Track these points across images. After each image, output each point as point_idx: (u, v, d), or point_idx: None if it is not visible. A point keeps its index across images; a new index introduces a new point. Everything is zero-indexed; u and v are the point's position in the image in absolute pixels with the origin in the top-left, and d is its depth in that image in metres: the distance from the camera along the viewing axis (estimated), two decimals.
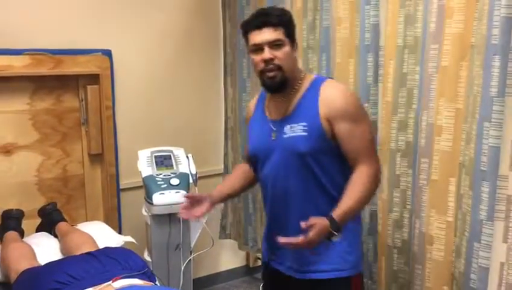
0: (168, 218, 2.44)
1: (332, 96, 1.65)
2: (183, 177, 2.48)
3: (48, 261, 1.99)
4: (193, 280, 2.59)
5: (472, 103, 1.68)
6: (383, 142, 2.10)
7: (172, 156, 2.58)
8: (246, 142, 1.95)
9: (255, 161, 1.82)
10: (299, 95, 1.70)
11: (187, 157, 2.59)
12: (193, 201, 1.78)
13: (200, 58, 3.10)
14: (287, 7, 2.58)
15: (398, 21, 1.98)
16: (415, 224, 1.85)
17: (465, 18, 1.71)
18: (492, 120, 1.56)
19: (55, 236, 2.42)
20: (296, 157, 1.66)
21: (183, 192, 2.37)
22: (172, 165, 2.54)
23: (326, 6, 2.38)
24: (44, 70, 2.53)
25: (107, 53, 2.71)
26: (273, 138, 1.71)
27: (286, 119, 1.69)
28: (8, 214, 2.48)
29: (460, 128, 1.76)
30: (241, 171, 1.95)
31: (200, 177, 2.58)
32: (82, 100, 2.71)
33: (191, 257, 2.52)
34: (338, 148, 1.67)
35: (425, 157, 1.84)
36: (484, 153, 1.59)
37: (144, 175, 2.51)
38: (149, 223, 2.48)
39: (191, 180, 2.51)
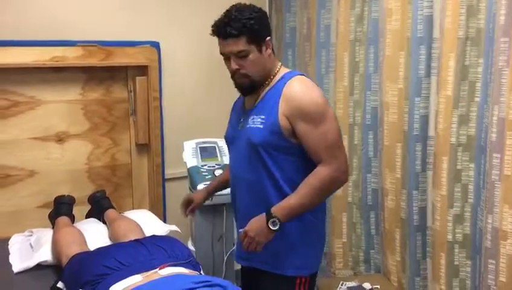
0: (212, 209, 2.46)
1: (293, 94, 1.65)
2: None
3: (97, 247, 2.05)
4: (235, 270, 2.62)
5: None
6: (441, 136, 2.05)
7: (217, 147, 2.61)
8: None
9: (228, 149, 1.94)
10: (267, 89, 1.74)
11: None
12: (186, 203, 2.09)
13: None
14: None
15: (460, 12, 1.93)
16: (487, 219, 1.81)
17: None
18: None
19: (104, 223, 2.50)
20: (250, 147, 1.72)
21: None
22: (216, 156, 2.57)
23: None
24: (95, 61, 2.60)
25: (156, 45, 2.76)
26: (239, 128, 1.80)
27: (252, 110, 1.75)
28: (60, 200, 2.57)
29: None
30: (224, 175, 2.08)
31: None
32: (130, 91, 2.77)
33: (234, 248, 2.54)
34: (300, 147, 1.68)
35: (497, 152, 1.78)
36: None
37: (188, 166, 2.54)
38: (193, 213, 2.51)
39: None
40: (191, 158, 2.56)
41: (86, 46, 2.57)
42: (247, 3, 1.76)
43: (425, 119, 2.16)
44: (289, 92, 1.66)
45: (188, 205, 2.09)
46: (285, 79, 1.71)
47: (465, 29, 1.94)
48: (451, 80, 1.99)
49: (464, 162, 2.02)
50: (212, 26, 1.71)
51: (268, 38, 1.71)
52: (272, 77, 1.74)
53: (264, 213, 1.66)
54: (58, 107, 2.62)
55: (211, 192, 2.12)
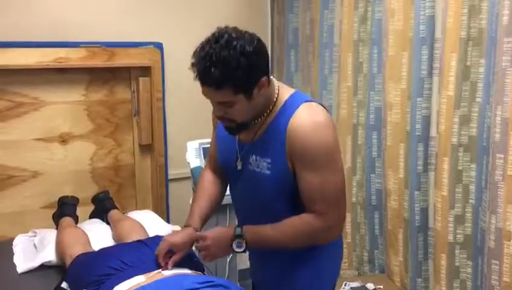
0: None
1: (297, 132, 1.37)
2: None
3: (101, 247, 2.06)
4: (238, 270, 2.62)
5: None
6: (443, 137, 2.05)
7: None
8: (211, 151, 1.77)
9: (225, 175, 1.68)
10: (270, 119, 1.44)
11: None
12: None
13: None
14: (337, 0, 2.55)
15: (461, 13, 1.93)
16: (491, 219, 1.80)
17: None
18: None
19: (108, 223, 2.50)
20: (260, 197, 1.49)
21: None
22: None
23: None
24: (98, 62, 2.61)
25: (159, 46, 2.76)
26: (238, 167, 1.52)
27: (251, 146, 1.48)
28: (64, 200, 2.57)
29: None
30: (208, 198, 1.69)
31: None
32: (134, 92, 2.78)
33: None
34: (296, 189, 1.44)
35: (500, 152, 1.78)
36: None
37: (192, 166, 2.54)
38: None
39: None
40: (194, 159, 2.56)
41: (90, 47, 2.58)
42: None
43: (427, 119, 2.16)
44: (295, 128, 1.38)
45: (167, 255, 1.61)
46: (288, 111, 1.41)
47: (467, 30, 1.93)
48: (453, 80, 1.99)
49: (465, 163, 2.02)
50: (192, 60, 1.40)
51: (263, 78, 1.36)
52: (271, 108, 1.44)
53: (233, 228, 1.47)
54: (61, 108, 2.63)
55: (199, 230, 1.62)
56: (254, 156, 1.47)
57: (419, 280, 2.26)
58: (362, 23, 2.49)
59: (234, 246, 1.46)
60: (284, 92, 1.47)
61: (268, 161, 1.43)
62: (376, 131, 2.50)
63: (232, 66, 1.30)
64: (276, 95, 1.45)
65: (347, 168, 2.65)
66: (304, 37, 2.79)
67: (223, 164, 1.64)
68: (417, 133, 2.20)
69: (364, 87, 2.55)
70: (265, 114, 1.45)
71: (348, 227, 2.67)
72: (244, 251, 1.48)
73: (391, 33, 2.25)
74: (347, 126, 2.62)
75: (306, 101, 1.43)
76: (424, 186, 2.21)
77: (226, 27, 1.37)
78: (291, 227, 1.44)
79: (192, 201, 1.73)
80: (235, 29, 1.36)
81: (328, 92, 2.67)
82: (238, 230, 1.46)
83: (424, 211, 2.21)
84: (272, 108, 1.44)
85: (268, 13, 3.12)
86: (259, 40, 1.37)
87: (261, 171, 1.45)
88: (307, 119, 1.39)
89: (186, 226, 1.64)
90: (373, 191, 2.56)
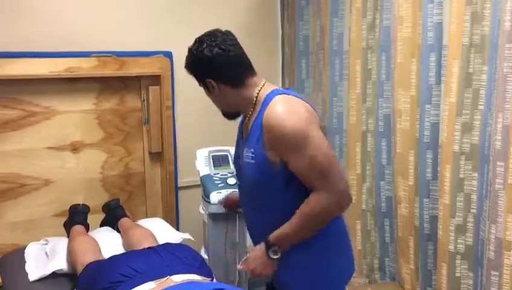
0: (225, 217, 2.47)
1: (271, 124, 1.53)
2: None
3: (111, 255, 2.07)
4: (248, 278, 2.61)
5: None
6: (445, 144, 2.04)
7: (229, 155, 2.61)
8: None
9: None
10: (253, 118, 1.63)
11: None
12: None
13: (259, 59, 3.05)
14: (346, 7, 2.56)
15: (464, 19, 1.92)
16: (490, 229, 1.78)
17: None
18: None
19: (118, 231, 2.52)
20: (247, 184, 1.69)
21: None
22: (229, 165, 2.57)
23: (386, 5, 2.34)
24: (109, 71, 2.64)
25: (168, 54, 2.79)
26: (239, 159, 1.72)
27: (245, 140, 1.67)
28: (75, 208, 2.60)
29: None
30: None
31: None
32: (144, 100, 2.81)
33: (247, 256, 2.54)
34: (291, 175, 1.56)
35: (501, 160, 1.76)
36: None
37: (201, 174, 2.55)
38: (206, 221, 2.52)
39: None
40: (203, 166, 2.57)
41: (101, 57, 2.62)
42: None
43: (435, 126, 2.15)
44: (267, 122, 1.53)
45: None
46: (266, 103, 1.58)
47: (470, 36, 1.92)
48: (455, 87, 1.97)
49: (467, 171, 1.99)
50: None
51: (207, 80, 1.64)
52: (254, 103, 1.63)
53: (264, 243, 1.62)
54: (73, 117, 2.66)
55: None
56: (245, 149, 1.64)
57: (430, 289, 2.24)
58: (371, 30, 2.49)
59: (271, 255, 1.60)
60: (266, 90, 1.63)
61: (252, 151, 1.60)
62: (385, 138, 2.49)
63: (188, 62, 1.67)
64: (256, 93, 1.63)
65: (356, 175, 2.65)
66: (314, 44, 2.80)
67: (234, 159, 1.83)
68: (426, 140, 2.19)
69: (373, 94, 2.55)
70: (250, 111, 1.64)
71: (358, 234, 2.66)
72: (281, 256, 1.60)
73: (399, 40, 2.25)
74: (356, 133, 2.62)
75: (280, 94, 1.58)
76: (433, 194, 2.20)
77: (222, 32, 1.66)
78: (300, 214, 1.56)
79: None
80: (222, 35, 1.64)
81: (338, 99, 2.68)
82: (267, 240, 1.61)
83: (434, 219, 2.19)
84: (255, 106, 1.62)
85: (279, 21, 3.13)
86: (220, 50, 1.60)
87: (248, 161, 1.62)
88: (277, 109, 1.53)
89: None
90: (383, 199, 2.55)
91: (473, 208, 1.99)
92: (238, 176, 1.80)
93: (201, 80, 1.68)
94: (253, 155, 1.60)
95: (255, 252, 1.65)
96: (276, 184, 1.60)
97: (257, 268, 1.64)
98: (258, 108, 1.61)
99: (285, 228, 1.59)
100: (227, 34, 1.65)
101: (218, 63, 1.60)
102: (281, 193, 1.61)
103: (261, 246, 1.62)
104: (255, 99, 1.62)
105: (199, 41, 1.64)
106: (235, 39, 1.66)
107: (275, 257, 1.60)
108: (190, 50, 1.66)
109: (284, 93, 1.59)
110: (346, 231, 1.76)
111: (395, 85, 2.33)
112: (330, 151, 1.56)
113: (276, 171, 1.57)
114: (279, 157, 1.55)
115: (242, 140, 1.72)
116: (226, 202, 2.23)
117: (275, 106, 1.54)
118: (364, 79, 2.56)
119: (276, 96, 1.57)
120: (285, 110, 1.53)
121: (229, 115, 1.74)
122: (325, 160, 1.51)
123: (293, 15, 2.94)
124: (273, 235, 1.60)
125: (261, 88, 1.64)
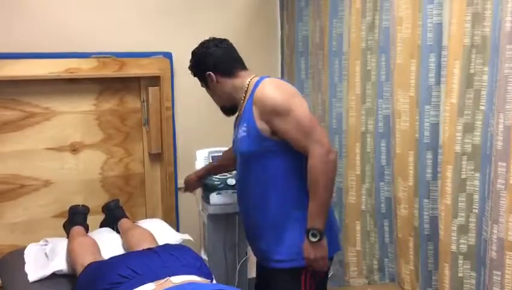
0: (225, 218, 2.47)
1: (259, 96, 1.80)
2: None
3: (111, 256, 2.07)
4: (248, 279, 2.62)
5: None
6: (446, 145, 2.04)
7: None
8: None
9: None
10: (246, 100, 1.90)
11: None
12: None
13: (258, 59, 3.10)
14: (346, 8, 2.57)
15: (465, 20, 1.92)
16: (492, 229, 1.78)
17: None
18: None
19: (118, 232, 2.52)
20: (241, 157, 1.92)
21: None
22: None
23: (386, 6, 2.35)
24: (109, 72, 2.64)
25: (168, 55, 2.79)
26: (234, 139, 1.99)
27: (239, 122, 1.93)
28: (74, 209, 2.59)
29: None
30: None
31: None
32: (143, 101, 2.81)
33: (246, 257, 2.55)
34: (284, 144, 1.79)
35: (503, 161, 1.76)
36: None
37: None
38: (206, 222, 2.52)
39: None
40: None
41: (100, 58, 2.62)
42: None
43: (435, 127, 2.15)
44: (257, 96, 1.81)
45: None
46: (255, 87, 1.85)
47: (471, 37, 1.92)
48: (456, 87, 1.98)
49: (468, 171, 2.00)
50: None
51: (207, 72, 1.93)
52: (245, 92, 1.90)
53: (306, 236, 1.78)
54: (72, 117, 2.66)
55: (203, 176, 2.43)
56: (239, 128, 1.90)
57: (430, 289, 2.24)
58: (370, 31, 2.50)
59: (311, 238, 1.75)
60: (255, 79, 1.91)
61: (245, 125, 1.85)
62: (385, 139, 2.50)
63: (190, 62, 2.02)
64: (247, 83, 1.91)
65: (356, 176, 2.65)
66: (314, 45, 2.80)
67: (234, 150, 2.06)
68: (426, 141, 2.19)
69: (372, 95, 2.55)
70: (242, 101, 1.91)
71: (357, 235, 2.66)
72: (321, 236, 1.75)
73: (399, 41, 2.25)
74: (356, 134, 2.62)
75: (267, 77, 1.88)
76: (433, 194, 2.20)
77: (220, 39, 2.01)
78: (312, 183, 1.75)
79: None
80: (219, 39, 2.00)
81: (337, 100, 2.68)
82: (307, 231, 1.77)
83: (434, 220, 2.19)
84: (246, 93, 1.90)
85: (278, 22, 3.14)
86: (215, 46, 1.95)
87: (243, 135, 1.86)
88: (266, 86, 1.82)
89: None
90: (382, 199, 2.55)
91: (475, 208, 2.00)
92: (235, 151, 2.02)
93: (202, 76, 1.96)
94: (245, 129, 1.84)
95: (303, 246, 1.78)
96: (267, 154, 1.82)
97: (308, 255, 1.76)
98: (249, 93, 1.88)
99: (309, 209, 1.75)
100: (223, 40, 1.99)
101: (214, 54, 1.93)
102: (273, 162, 1.82)
103: (304, 237, 1.77)
104: (246, 86, 1.90)
105: (200, 44, 2.01)
106: (230, 43, 1.99)
107: (314, 239, 1.75)
108: (192, 52, 2.01)
109: (269, 77, 1.89)
110: (332, 209, 1.95)
111: (394, 86, 2.33)
112: (312, 115, 1.82)
113: (267, 138, 1.80)
114: (269, 126, 1.78)
115: (237, 124, 1.97)
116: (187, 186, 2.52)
117: (263, 85, 1.83)
118: (363, 80, 2.57)
119: (265, 79, 1.86)
120: (273, 86, 1.82)
121: (227, 110, 2.00)
122: (309, 121, 1.76)
123: (292, 15, 2.94)
124: (309, 223, 1.76)
125: (252, 78, 1.92)
